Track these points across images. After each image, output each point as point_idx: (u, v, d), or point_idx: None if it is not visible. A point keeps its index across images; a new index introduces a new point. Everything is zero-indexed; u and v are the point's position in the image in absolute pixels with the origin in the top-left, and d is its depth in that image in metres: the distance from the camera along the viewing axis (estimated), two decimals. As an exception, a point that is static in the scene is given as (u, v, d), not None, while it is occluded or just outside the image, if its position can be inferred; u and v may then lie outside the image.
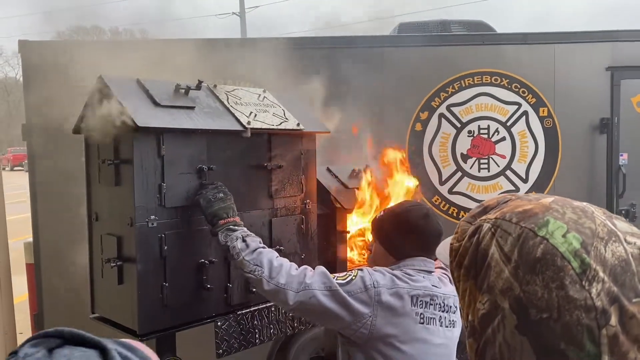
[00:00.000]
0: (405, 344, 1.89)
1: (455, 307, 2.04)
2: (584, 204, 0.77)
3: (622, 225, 0.73)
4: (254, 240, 2.01)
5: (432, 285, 1.99)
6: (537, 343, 0.69)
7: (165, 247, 2.00)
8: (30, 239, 4.30)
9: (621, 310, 0.67)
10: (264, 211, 2.36)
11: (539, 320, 0.69)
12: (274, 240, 2.39)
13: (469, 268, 0.78)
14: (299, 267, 2.00)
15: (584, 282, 0.67)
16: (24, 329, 5.38)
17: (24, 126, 4.12)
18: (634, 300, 0.67)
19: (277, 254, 2.02)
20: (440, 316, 1.97)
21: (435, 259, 2.39)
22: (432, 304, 1.96)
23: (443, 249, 0.94)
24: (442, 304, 1.98)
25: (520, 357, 0.70)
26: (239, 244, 1.98)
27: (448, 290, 2.03)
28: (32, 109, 3.97)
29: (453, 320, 2.01)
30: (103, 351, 0.70)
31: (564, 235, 0.70)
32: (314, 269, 1.98)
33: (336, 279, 1.91)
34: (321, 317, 1.94)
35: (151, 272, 1.98)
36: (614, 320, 0.66)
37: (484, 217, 0.79)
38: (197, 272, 2.11)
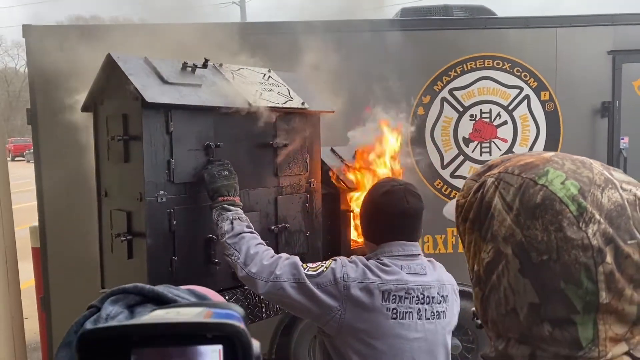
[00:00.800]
0: (376, 340, 1.84)
1: (442, 296, 1.94)
2: (583, 157, 0.81)
3: (618, 175, 0.77)
4: (241, 224, 1.99)
5: (410, 274, 1.90)
6: (538, 284, 0.73)
7: (174, 222, 2.04)
8: (36, 224, 4.34)
9: (616, 251, 0.71)
10: (270, 189, 2.39)
11: (540, 263, 0.73)
12: (279, 218, 2.42)
13: (474, 221, 0.81)
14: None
15: (580, 224, 0.71)
16: (29, 314, 5.44)
17: (28, 110, 4.15)
18: (629, 242, 0.71)
19: (258, 241, 1.99)
20: (419, 309, 1.88)
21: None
22: (407, 298, 1.87)
23: (451, 206, 0.98)
24: (422, 296, 1.89)
25: (524, 299, 0.74)
26: (226, 226, 1.97)
27: (432, 279, 1.94)
28: (36, 93, 4.00)
29: (437, 312, 1.92)
30: None
31: (562, 183, 0.74)
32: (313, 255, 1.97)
33: (307, 270, 1.87)
34: (291, 308, 1.91)
35: (160, 247, 2.02)
36: (609, 259, 0.70)
37: (488, 174, 0.83)
38: (205, 247, 2.15)
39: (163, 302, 0.73)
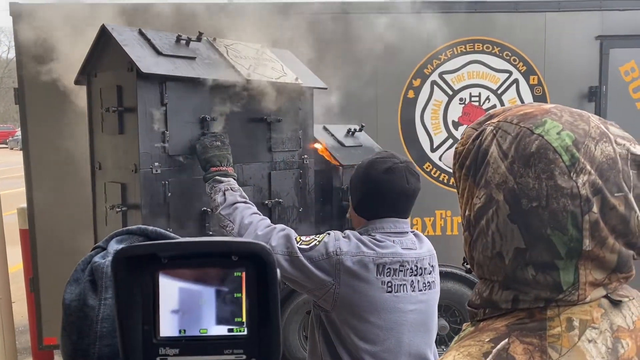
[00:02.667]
0: (372, 315, 1.81)
1: (432, 266, 1.94)
2: (583, 111, 0.83)
3: (614, 129, 0.79)
4: (233, 194, 1.97)
5: (404, 249, 1.87)
6: (526, 230, 0.75)
7: (169, 194, 2.05)
8: (24, 205, 4.31)
9: (603, 201, 0.73)
10: (264, 164, 2.40)
11: (529, 209, 0.75)
12: (273, 193, 2.44)
13: (470, 167, 0.83)
14: (284, 223, 1.96)
15: (572, 174, 0.73)
16: (17, 299, 5.42)
17: (16, 90, 4.11)
18: (616, 194, 0.74)
19: (252, 210, 1.96)
20: (412, 281, 1.86)
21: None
22: (401, 271, 1.84)
23: (449, 154, 0.99)
24: (415, 268, 1.88)
25: (510, 244, 0.77)
26: (219, 198, 1.95)
27: (424, 251, 1.93)
28: (24, 72, 3.95)
29: (428, 282, 1.91)
30: None
31: (558, 133, 0.76)
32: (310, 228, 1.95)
33: (300, 244, 1.83)
34: (286, 280, 1.87)
35: (155, 217, 2.02)
36: (595, 209, 0.73)
37: (488, 122, 0.84)
38: (200, 219, 2.16)
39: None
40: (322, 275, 1.80)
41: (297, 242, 1.84)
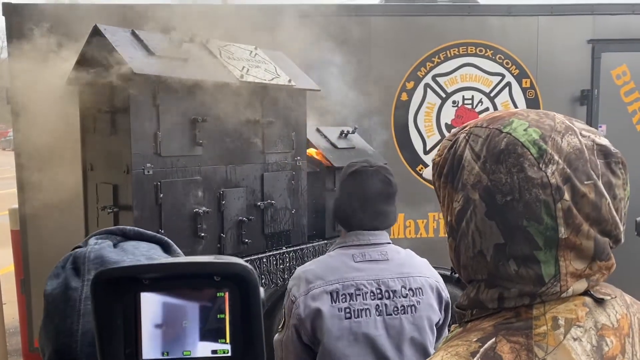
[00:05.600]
0: (337, 341, 1.70)
1: (410, 289, 1.77)
2: (549, 111, 0.86)
3: (578, 124, 0.83)
4: None
5: (361, 262, 1.75)
6: (503, 225, 0.78)
7: (161, 195, 2.04)
8: (15, 206, 4.28)
9: (573, 189, 0.76)
10: (256, 165, 2.40)
11: (504, 204, 0.78)
12: (265, 195, 2.44)
13: (447, 174, 0.86)
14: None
15: (540, 165, 0.76)
16: (7, 300, 5.38)
17: (8, 90, 4.08)
18: (585, 182, 0.77)
19: None
20: (378, 305, 1.74)
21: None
22: (359, 295, 1.72)
23: (428, 171, 1.01)
24: (378, 291, 1.75)
25: (490, 241, 0.79)
26: None
27: (391, 272, 1.77)
28: (16, 71, 3.93)
29: (403, 306, 1.76)
30: (164, 245, 0.74)
31: (525, 130, 0.79)
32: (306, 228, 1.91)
33: (279, 333, 1.79)
34: None
35: (147, 219, 2.02)
36: (567, 196, 0.76)
37: (461, 131, 0.88)
38: (192, 220, 2.16)
39: (144, 239, 0.76)
40: (301, 331, 1.73)
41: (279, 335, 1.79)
